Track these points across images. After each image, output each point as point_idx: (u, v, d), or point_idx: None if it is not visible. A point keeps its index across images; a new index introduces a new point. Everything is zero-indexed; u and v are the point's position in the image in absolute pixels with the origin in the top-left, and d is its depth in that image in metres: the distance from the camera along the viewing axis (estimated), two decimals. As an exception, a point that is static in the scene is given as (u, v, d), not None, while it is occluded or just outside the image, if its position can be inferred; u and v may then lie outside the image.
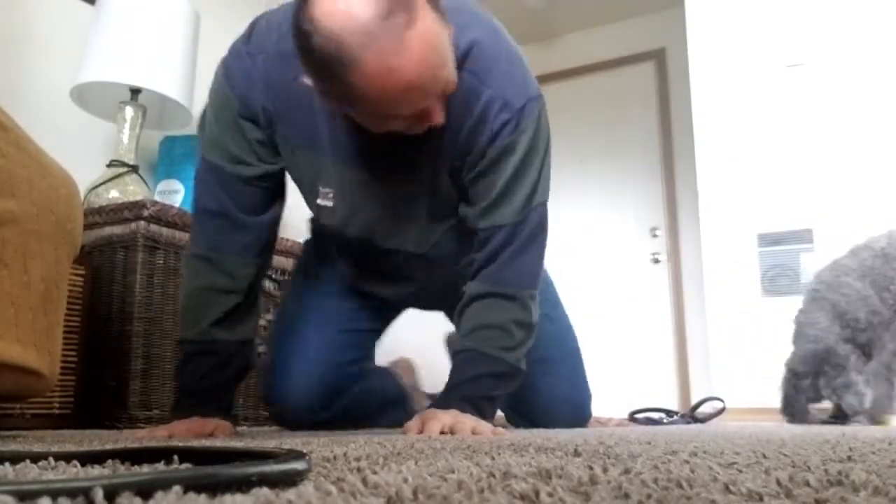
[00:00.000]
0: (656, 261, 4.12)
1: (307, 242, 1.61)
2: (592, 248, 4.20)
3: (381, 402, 1.57)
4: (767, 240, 2.73)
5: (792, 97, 2.78)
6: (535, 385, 1.48)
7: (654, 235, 4.14)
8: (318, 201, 1.23)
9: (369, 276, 1.47)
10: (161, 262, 1.77)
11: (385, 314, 1.61)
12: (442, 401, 1.17)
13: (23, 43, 2.02)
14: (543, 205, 1.24)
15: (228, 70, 1.17)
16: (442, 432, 1.06)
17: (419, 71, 0.94)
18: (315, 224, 1.52)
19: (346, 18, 0.89)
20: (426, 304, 1.62)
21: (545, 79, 4.52)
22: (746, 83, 2.86)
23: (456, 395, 1.17)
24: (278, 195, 1.28)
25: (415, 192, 1.23)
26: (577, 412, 1.61)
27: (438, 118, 1.05)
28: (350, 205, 1.23)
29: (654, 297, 3.99)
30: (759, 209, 2.76)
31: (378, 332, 1.63)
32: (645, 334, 3.98)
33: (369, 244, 1.32)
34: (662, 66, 4.28)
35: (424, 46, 0.93)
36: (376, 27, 0.89)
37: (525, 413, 1.60)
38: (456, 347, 1.25)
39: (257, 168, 1.21)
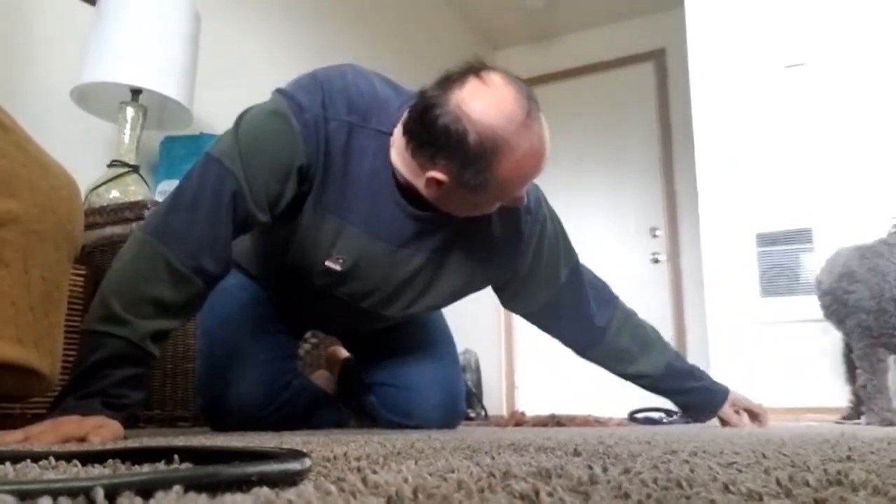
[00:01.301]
0: (656, 261, 4.12)
1: None
2: (592, 249, 4.19)
3: (314, 401, 1.58)
4: (766, 240, 2.73)
5: (792, 98, 2.78)
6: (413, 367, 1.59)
7: (654, 235, 4.14)
8: (327, 263, 1.26)
9: (298, 308, 1.52)
10: (161, 262, 1.77)
11: (299, 323, 1.63)
12: (719, 399, 1.63)
13: (23, 43, 2.02)
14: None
15: (304, 124, 1.15)
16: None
17: (546, 155, 1.15)
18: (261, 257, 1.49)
19: (502, 117, 1.09)
20: (335, 332, 1.77)
21: (545, 79, 4.53)
22: (746, 83, 2.86)
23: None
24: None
25: (424, 272, 1.32)
26: (449, 399, 1.62)
27: (522, 201, 1.25)
28: (359, 272, 1.28)
29: (653, 297, 3.99)
30: (758, 209, 2.76)
31: (298, 335, 1.66)
32: (645, 334, 3.98)
33: (340, 296, 1.35)
34: (662, 67, 4.28)
35: (546, 133, 1.15)
36: (525, 122, 1.10)
37: (395, 403, 1.59)
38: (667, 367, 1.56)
39: (265, 218, 1.16)
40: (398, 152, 1.20)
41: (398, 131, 1.19)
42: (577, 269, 1.49)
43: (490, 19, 4.45)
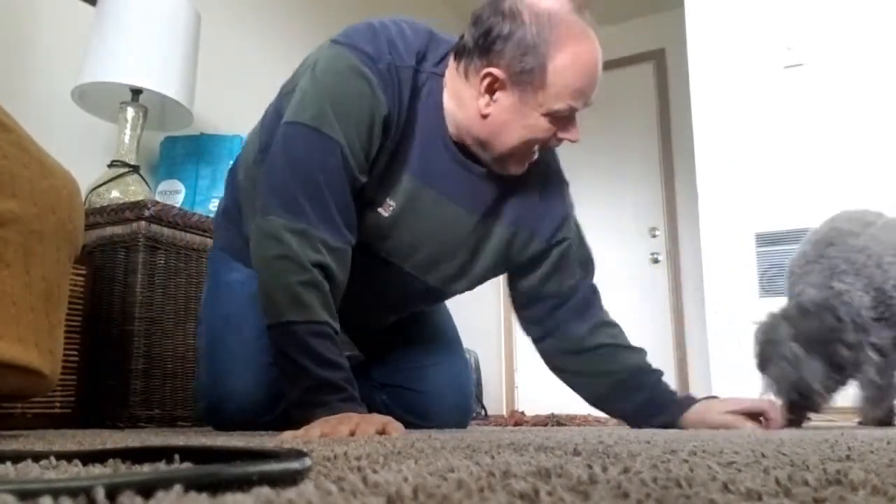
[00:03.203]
0: (656, 261, 4.12)
1: (215, 255, 1.54)
2: (592, 249, 4.21)
3: None
4: (766, 239, 2.73)
5: (791, 98, 2.78)
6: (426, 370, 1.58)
7: (654, 235, 4.14)
8: (379, 209, 1.25)
9: None
10: (162, 262, 1.77)
11: None
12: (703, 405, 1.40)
13: (24, 44, 2.02)
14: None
15: (379, 74, 1.16)
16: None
17: (600, 59, 1.21)
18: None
19: (556, 3, 1.15)
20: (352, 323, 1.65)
21: (545, 79, 4.53)
22: (745, 84, 2.86)
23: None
24: None
25: (469, 236, 1.32)
26: (463, 400, 1.63)
27: (576, 134, 1.23)
28: (405, 221, 1.27)
29: (653, 297, 3.99)
30: (758, 209, 2.76)
31: None
32: (644, 334, 3.98)
33: (378, 261, 1.32)
34: (662, 67, 4.28)
35: (598, 43, 1.20)
36: (579, 11, 1.17)
37: (410, 403, 1.58)
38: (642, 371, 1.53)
39: (364, 179, 1.18)
40: (451, 88, 1.22)
41: (451, 65, 1.22)
42: (592, 271, 1.53)
43: (490, 19, 4.44)
